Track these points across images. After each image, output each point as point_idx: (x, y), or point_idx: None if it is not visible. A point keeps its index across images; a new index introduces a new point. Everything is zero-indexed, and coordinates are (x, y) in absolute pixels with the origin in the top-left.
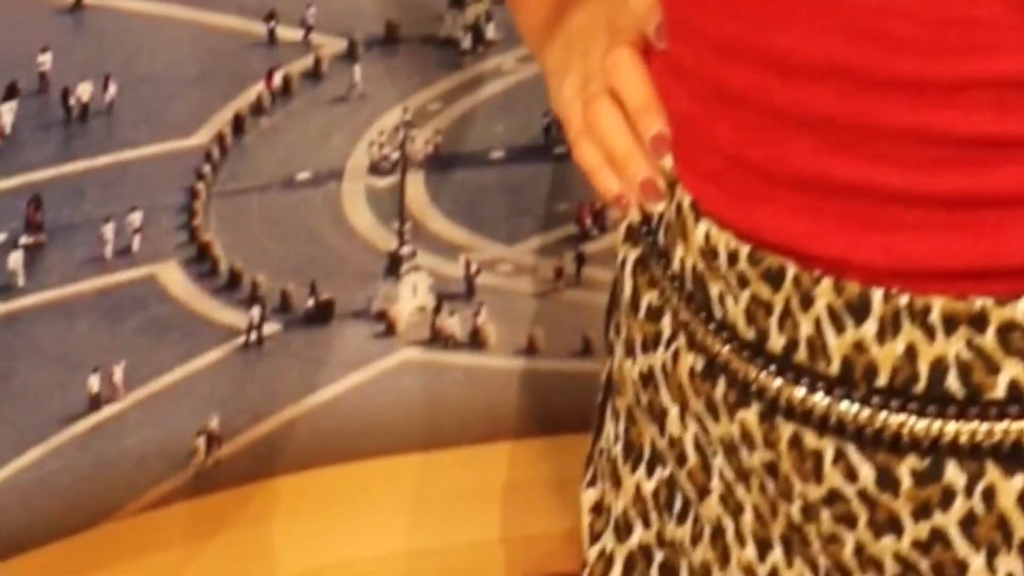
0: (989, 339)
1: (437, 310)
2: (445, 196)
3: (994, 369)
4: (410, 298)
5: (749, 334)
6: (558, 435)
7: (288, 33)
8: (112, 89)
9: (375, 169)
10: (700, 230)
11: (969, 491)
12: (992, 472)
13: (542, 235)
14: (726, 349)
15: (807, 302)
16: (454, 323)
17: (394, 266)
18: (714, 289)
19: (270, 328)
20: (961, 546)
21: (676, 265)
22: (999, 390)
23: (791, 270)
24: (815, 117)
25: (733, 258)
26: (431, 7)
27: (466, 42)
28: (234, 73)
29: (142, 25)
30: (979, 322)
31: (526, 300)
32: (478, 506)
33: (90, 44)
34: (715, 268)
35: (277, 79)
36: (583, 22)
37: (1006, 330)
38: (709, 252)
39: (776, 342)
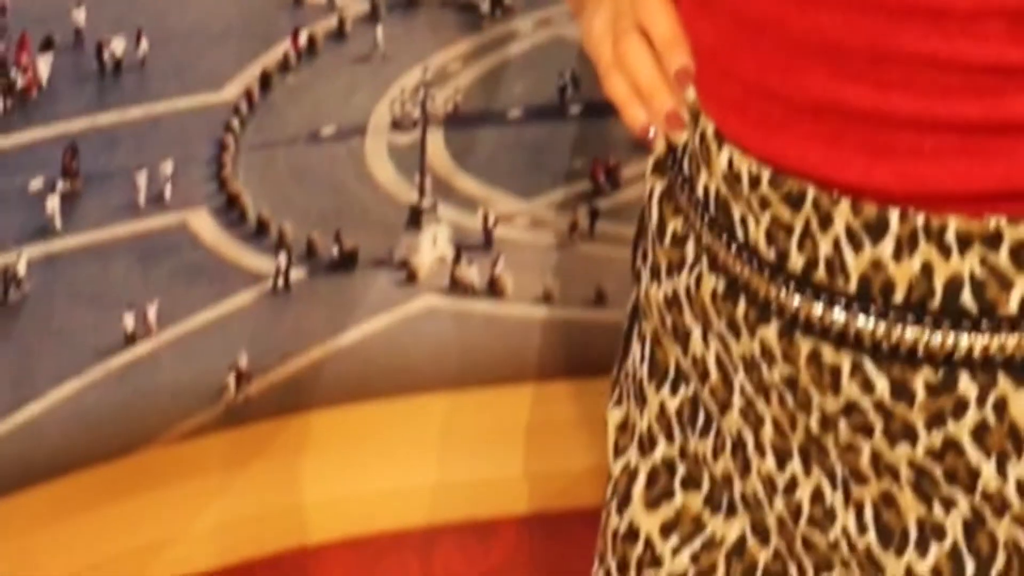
0: (1003, 257)
1: (457, 260)
2: (464, 152)
3: (1007, 285)
4: (431, 248)
5: (770, 254)
6: (574, 379)
7: None
8: (144, 44)
9: (397, 125)
10: (723, 156)
11: (981, 401)
12: (1004, 383)
13: (557, 191)
14: (747, 269)
15: (826, 223)
16: (473, 272)
17: (415, 218)
18: (736, 212)
19: (297, 274)
20: (973, 453)
21: (700, 191)
22: (1012, 305)
23: (811, 192)
24: (831, 45)
25: (755, 182)
26: None
27: (485, 6)
28: (262, 31)
29: None
30: (993, 241)
31: (542, 252)
32: (500, 444)
33: (123, 0)
34: (738, 192)
35: (303, 38)
36: None
37: (1019, 248)
38: (732, 177)
39: (796, 261)
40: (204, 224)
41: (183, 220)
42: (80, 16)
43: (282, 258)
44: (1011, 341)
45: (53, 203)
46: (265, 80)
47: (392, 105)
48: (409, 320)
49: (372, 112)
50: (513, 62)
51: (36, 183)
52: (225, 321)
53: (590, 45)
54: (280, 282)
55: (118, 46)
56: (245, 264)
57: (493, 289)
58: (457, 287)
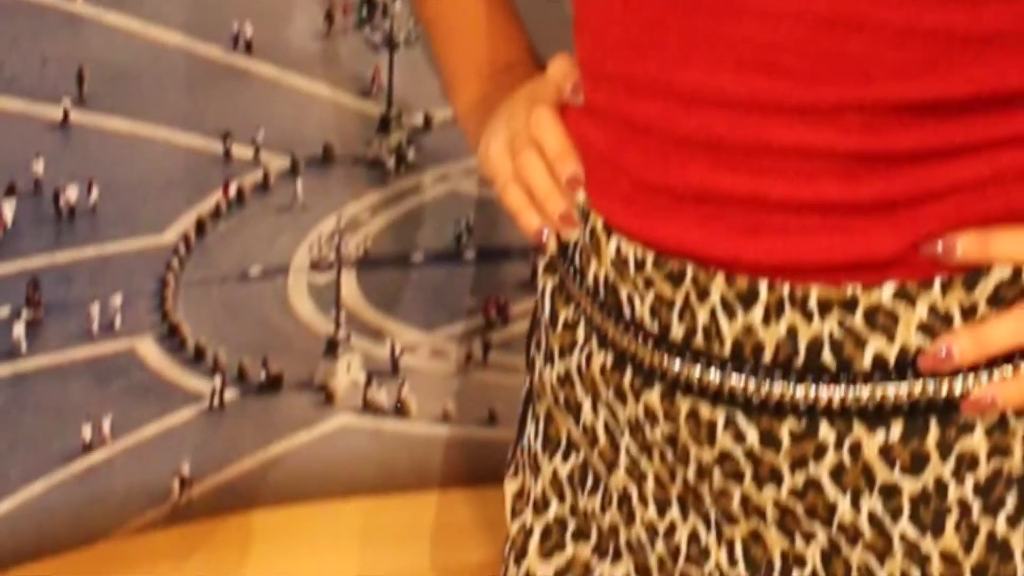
0: (858, 319)
1: (368, 384)
2: (374, 291)
3: (861, 344)
4: (345, 374)
5: (654, 327)
6: (472, 487)
7: (241, 151)
8: (95, 193)
9: (315, 267)
10: (611, 245)
11: (839, 445)
12: (858, 429)
13: (455, 325)
14: (634, 342)
15: (703, 295)
16: (382, 395)
17: (332, 347)
18: (624, 293)
19: (230, 394)
20: (831, 491)
21: (591, 280)
22: (865, 362)
23: (690, 270)
24: (711, 140)
25: (640, 265)
26: (362, 132)
27: (391, 163)
28: (197, 183)
29: (120, 140)
30: (849, 305)
31: (441, 378)
32: (412, 541)
33: (77, 154)
34: (625, 275)
35: (232, 189)
36: (508, 96)
37: (872, 312)
38: (620, 262)
39: (677, 331)
40: (149, 350)
41: (131, 346)
42: (39, 167)
43: (217, 380)
44: (864, 392)
45: (19, 330)
46: (200, 226)
47: (311, 249)
48: (328, 436)
49: (293, 255)
50: (415, 212)
51: (3, 311)
52: (169, 433)
53: (488, 166)
54: (216, 401)
55: (72, 194)
56: (185, 385)
57: (400, 409)
58: (369, 408)
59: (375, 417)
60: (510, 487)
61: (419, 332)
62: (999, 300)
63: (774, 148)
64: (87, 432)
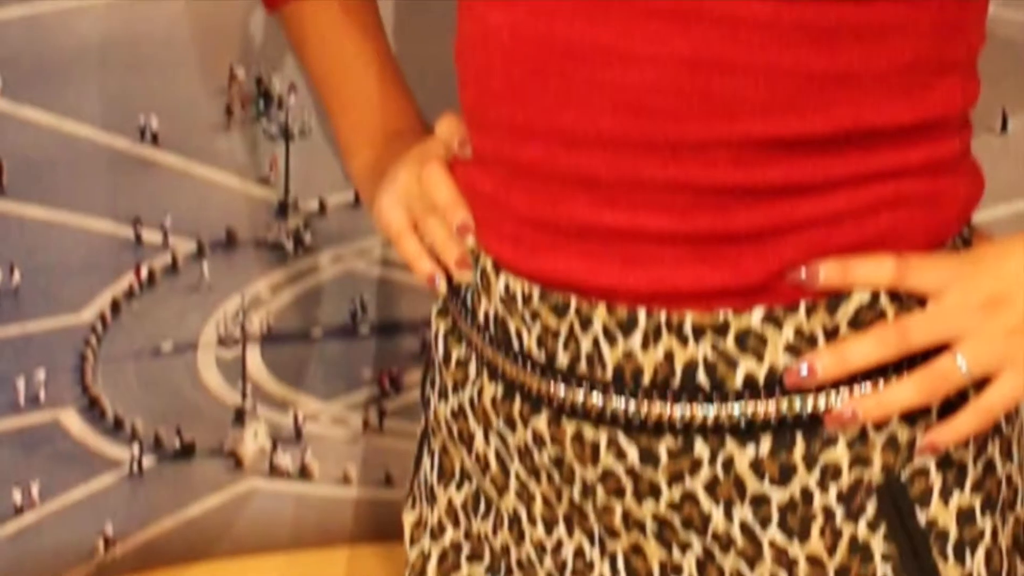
0: (730, 342)
1: (274, 450)
2: (277, 364)
3: (733, 365)
4: (253, 441)
5: (541, 357)
6: (372, 543)
7: (151, 236)
8: (17, 275)
9: (222, 343)
10: (500, 283)
11: (713, 460)
12: (731, 444)
13: (352, 394)
14: (523, 372)
15: (586, 324)
16: (287, 460)
17: (240, 417)
18: (512, 327)
19: (148, 461)
20: (706, 503)
21: (481, 317)
22: (737, 382)
23: (573, 301)
24: (591, 178)
25: (527, 299)
26: (262, 216)
27: (289, 245)
28: (111, 265)
29: (39, 226)
30: (721, 330)
31: (341, 444)
32: None
33: (4, 241)
34: (513, 310)
35: (144, 271)
36: (399, 159)
37: (742, 335)
38: (508, 298)
39: (563, 359)
40: (72, 420)
41: (55, 417)
42: None
43: (135, 448)
44: (736, 410)
45: None
46: (115, 305)
47: (217, 326)
48: (238, 498)
49: (201, 331)
50: (313, 291)
51: None
52: (93, 497)
53: (382, 221)
54: (135, 467)
55: (2, 277)
56: (106, 452)
57: (304, 473)
58: (275, 472)
59: (281, 480)
60: (408, 518)
61: (320, 402)
62: (859, 322)
63: (649, 184)
64: (17, 496)
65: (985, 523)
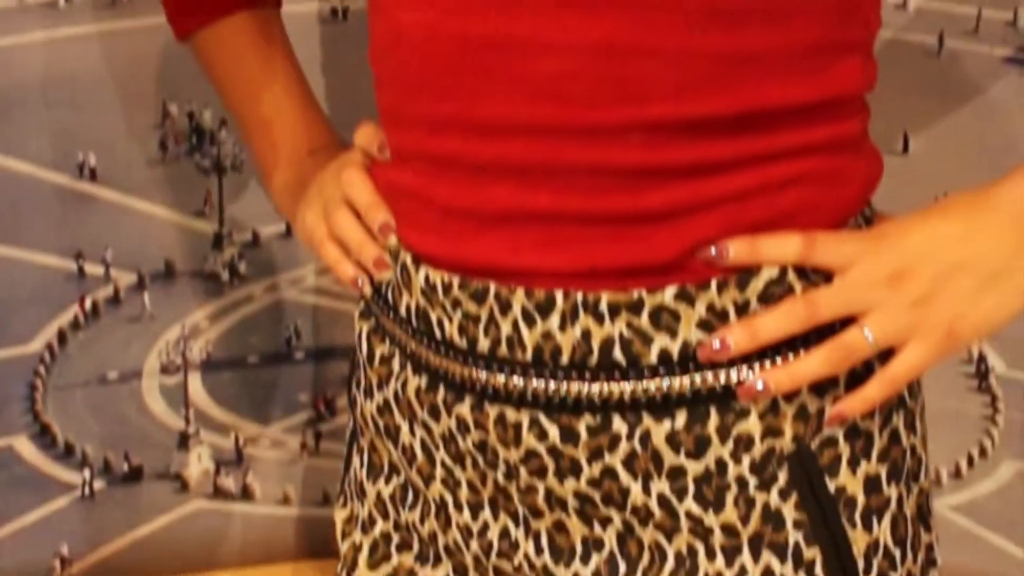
0: (644, 320)
1: (217, 472)
2: (217, 389)
3: (648, 342)
4: (197, 463)
5: (463, 343)
6: (312, 559)
7: (93, 269)
8: None
9: (165, 370)
10: (420, 276)
11: (630, 436)
12: (647, 420)
13: (289, 418)
14: (445, 360)
15: (506, 309)
16: (230, 482)
17: (184, 441)
18: (434, 317)
19: (98, 484)
20: (624, 477)
21: (403, 311)
22: (652, 357)
23: (492, 287)
24: (510, 165)
25: (447, 288)
26: (199, 249)
27: (225, 276)
28: (56, 298)
29: None
30: (636, 308)
31: (281, 465)
32: None
33: None
34: (434, 300)
35: (88, 303)
36: (318, 173)
37: (656, 312)
38: (429, 289)
39: (483, 344)
40: (25, 447)
41: (9, 444)
42: None
43: (86, 472)
44: (652, 386)
45: None
46: (62, 336)
47: (160, 354)
48: (185, 518)
49: (145, 360)
50: (250, 319)
51: None
52: (48, 519)
53: (304, 232)
54: (86, 491)
55: None
56: (59, 477)
57: (246, 494)
58: (219, 493)
59: (225, 501)
60: (340, 515)
61: (259, 425)
62: (768, 297)
63: (566, 168)
64: None
65: (891, 491)
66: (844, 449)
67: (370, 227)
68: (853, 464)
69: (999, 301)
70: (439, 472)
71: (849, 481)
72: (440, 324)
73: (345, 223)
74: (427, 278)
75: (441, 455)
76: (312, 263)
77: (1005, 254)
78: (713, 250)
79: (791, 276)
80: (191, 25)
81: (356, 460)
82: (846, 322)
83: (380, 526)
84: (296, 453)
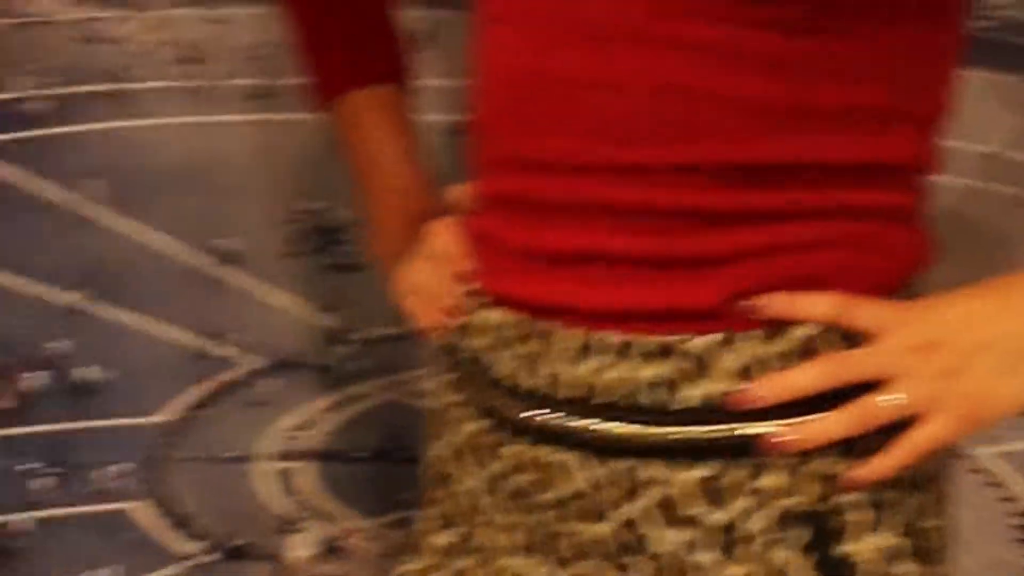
0: (678, 365)
1: (318, 558)
2: (325, 479)
3: (679, 387)
4: (300, 548)
5: (512, 383)
6: None
7: (223, 350)
8: (102, 373)
9: (277, 456)
10: (483, 316)
11: (656, 482)
12: (673, 467)
13: (391, 513)
14: (497, 400)
15: (552, 348)
16: (329, 569)
17: (289, 525)
18: (491, 357)
19: (204, 558)
20: (644, 524)
21: (466, 354)
22: (682, 403)
23: (543, 326)
24: (569, 204)
25: (504, 328)
26: (320, 342)
27: (342, 371)
28: (185, 374)
29: (123, 329)
30: (672, 352)
31: (379, 558)
32: None
33: (87, 338)
34: (492, 341)
35: (214, 383)
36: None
37: (691, 358)
38: (488, 330)
39: (530, 383)
40: (139, 513)
41: (123, 509)
42: (58, 347)
43: (194, 545)
44: (680, 432)
45: (38, 483)
46: (186, 411)
47: (274, 440)
48: None
49: (260, 444)
50: (363, 415)
51: (26, 466)
52: None
53: (395, 287)
54: (194, 562)
55: (84, 372)
56: (169, 546)
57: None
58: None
59: None
60: (398, 570)
61: (362, 517)
62: (800, 353)
63: (619, 208)
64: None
65: (910, 567)
66: (864, 516)
67: (449, 276)
68: (872, 532)
69: None
70: (487, 516)
71: (866, 549)
72: (493, 365)
73: (427, 273)
74: (487, 319)
75: (489, 498)
76: (426, 367)
77: None
78: (753, 301)
79: (825, 335)
80: (324, 97)
81: (418, 519)
82: (873, 387)
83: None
84: (396, 548)
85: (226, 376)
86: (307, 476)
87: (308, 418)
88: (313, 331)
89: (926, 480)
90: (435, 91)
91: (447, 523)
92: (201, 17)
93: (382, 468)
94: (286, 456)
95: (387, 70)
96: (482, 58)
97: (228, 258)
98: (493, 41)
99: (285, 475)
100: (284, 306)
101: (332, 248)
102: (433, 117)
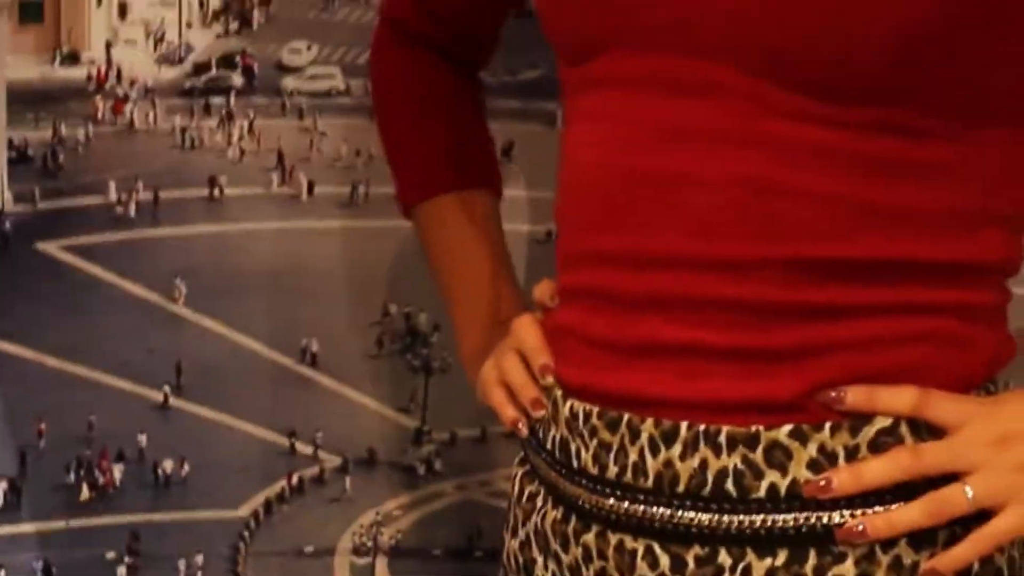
0: (758, 455)
1: None
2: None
3: (759, 476)
4: None
5: (594, 471)
6: None
7: (303, 447)
8: (186, 467)
9: (356, 551)
10: (567, 407)
11: (733, 569)
12: (750, 554)
13: None
14: (578, 489)
15: (635, 437)
16: None
17: None
18: (573, 447)
19: None
20: None
21: (549, 444)
22: (760, 491)
23: (626, 416)
24: (657, 298)
25: (587, 418)
26: (399, 441)
27: (421, 470)
28: (266, 470)
29: (208, 425)
30: (753, 442)
31: None
32: None
33: (173, 433)
34: (575, 430)
35: (295, 479)
36: (503, 340)
37: (770, 448)
38: (572, 420)
39: (612, 472)
40: None
41: None
42: (143, 439)
43: None
44: (758, 519)
45: (122, 571)
46: (268, 506)
47: (353, 536)
48: None
49: (339, 539)
50: (439, 514)
51: (110, 555)
52: None
53: (480, 384)
54: None
55: (168, 465)
56: None
57: None
58: None
59: None
60: None
61: None
62: (878, 445)
63: (705, 302)
64: None
65: None
66: None
67: (533, 370)
68: None
69: None
70: None
71: None
72: (578, 454)
73: (511, 367)
74: (571, 409)
75: None
76: (501, 467)
77: None
78: (832, 394)
79: (903, 428)
80: (413, 199)
81: None
82: (949, 479)
83: None
84: None
85: (307, 472)
86: (384, 572)
87: (386, 515)
88: (393, 430)
89: (998, 571)
90: (523, 201)
91: None
92: (297, 127)
93: (456, 565)
94: (364, 551)
95: (474, 176)
96: (569, 155)
97: (312, 359)
98: (581, 138)
99: (363, 570)
100: (366, 406)
101: (413, 350)
102: (521, 226)
